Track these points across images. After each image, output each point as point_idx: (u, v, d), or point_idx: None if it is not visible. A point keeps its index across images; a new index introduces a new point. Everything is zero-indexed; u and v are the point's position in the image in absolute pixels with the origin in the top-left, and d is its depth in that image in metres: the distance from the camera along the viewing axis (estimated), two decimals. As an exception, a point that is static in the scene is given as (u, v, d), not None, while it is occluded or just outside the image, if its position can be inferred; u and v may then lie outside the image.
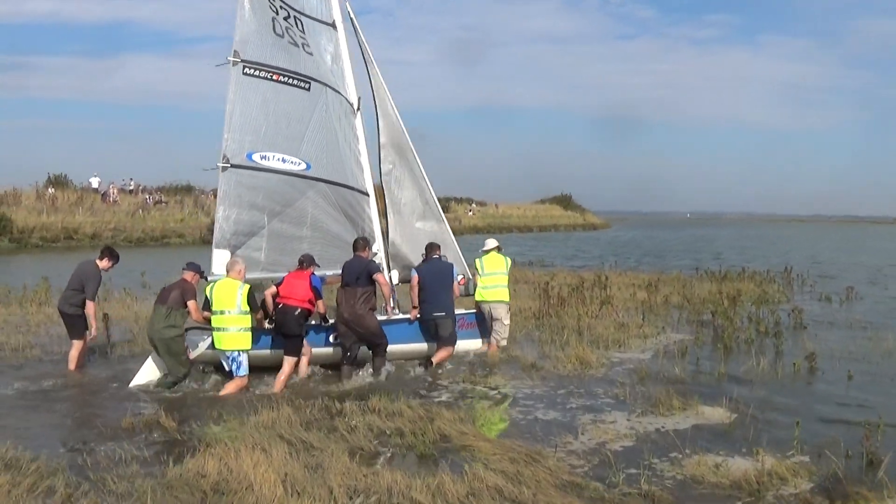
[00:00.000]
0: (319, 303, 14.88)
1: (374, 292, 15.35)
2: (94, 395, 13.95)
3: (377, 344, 15.21)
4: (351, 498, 8.73)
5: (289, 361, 14.42)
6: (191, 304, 14.17)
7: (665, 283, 30.48)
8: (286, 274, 15.07)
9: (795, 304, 25.06)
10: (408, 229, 18.02)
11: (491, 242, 17.96)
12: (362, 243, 15.72)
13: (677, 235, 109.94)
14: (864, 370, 16.15)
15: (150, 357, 14.73)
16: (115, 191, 70.91)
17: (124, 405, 12.80)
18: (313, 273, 14.97)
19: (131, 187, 77.33)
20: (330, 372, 15.31)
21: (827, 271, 41.82)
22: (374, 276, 15.18)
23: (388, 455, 10.46)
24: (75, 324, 15.49)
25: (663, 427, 11.79)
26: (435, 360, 15.95)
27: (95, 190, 71.68)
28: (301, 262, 14.97)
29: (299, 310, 14.40)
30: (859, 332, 20.84)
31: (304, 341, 14.81)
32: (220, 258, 15.40)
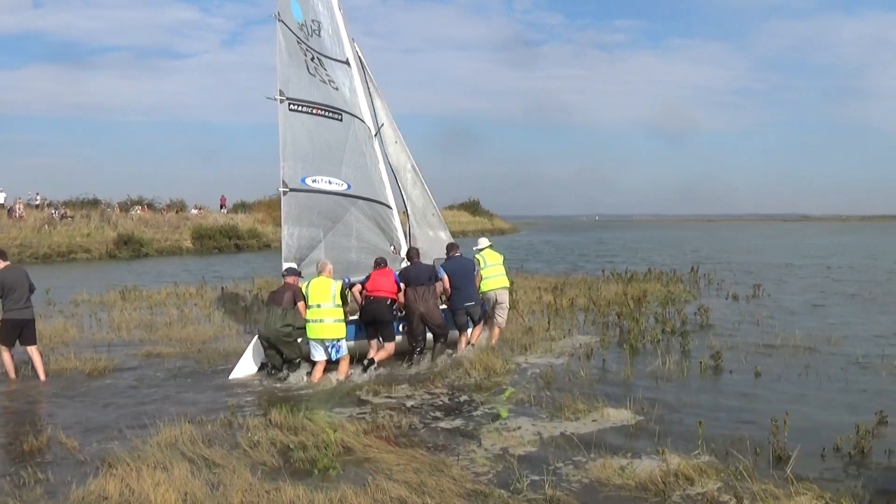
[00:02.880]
0: (399, 295, 17.02)
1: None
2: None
3: (442, 334, 17.53)
4: (253, 514, 8.59)
5: (388, 345, 16.81)
6: (300, 304, 15.93)
7: (571, 285, 30.83)
8: (371, 272, 17.19)
9: (702, 303, 25.29)
10: (426, 236, 20.82)
11: (484, 241, 19.78)
12: (417, 252, 18.16)
13: (584, 238, 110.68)
14: (771, 366, 16.35)
15: (246, 353, 16.62)
16: (21, 206, 69.64)
17: (25, 428, 12.46)
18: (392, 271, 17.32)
19: (37, 202, 76.17)
20: (238, 390, 15.13)
21: (734, 269, 42.34)
22: (441, 278, 17.71)
23: (291, 470, 10.28)
24: (31, 327, 16.24)
25: (568, 431, 11.77)
26: (473, 340, 18.05)
27: (1, 205, 70.39)
28: (378, 263, 17.15)
29: (390, 300, 16.74)
30: (766, 329, 21.03)
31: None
32: None
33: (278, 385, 15.55)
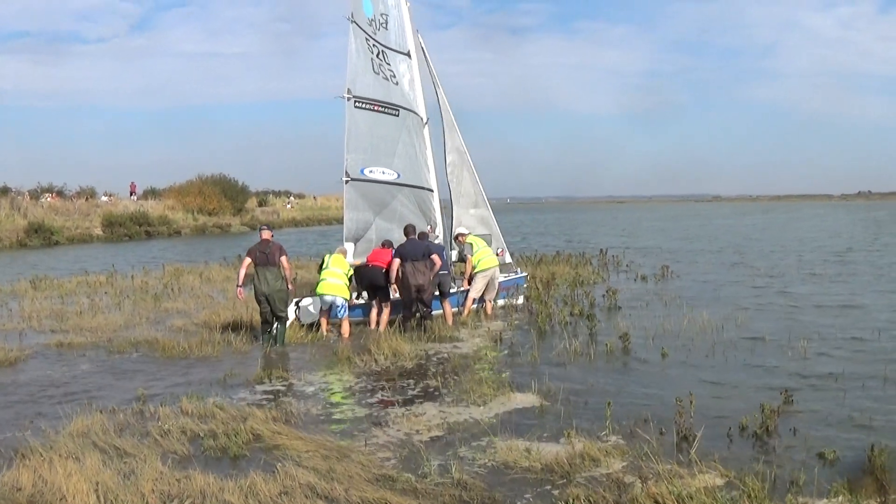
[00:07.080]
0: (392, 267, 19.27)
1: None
2: None
3: (428, 311, 19.26)
4: (164, 503, 8.63)
5: (385, 306, 19.41)
6: (284, 259, 17.88)
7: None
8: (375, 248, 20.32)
9: (610, 285, 25.63)
10: (465, 215, 23.67)
11: (464, 228, 22.71)
12: (413, 228, 20.02)
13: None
14: (678, 347, 16.63)
15: (308, 306, 19.43)
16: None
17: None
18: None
19: (-53, 191, 74.84)
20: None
21: (645, 252, 42.67)
22: (432, 256, 19.02)
23: (202, 458, 10.32)
24: None
25: (474, 415, 11.93)
26: (449, 321, 19.68)
27: None
28: (383, 244, 20.31)
29: (384, 269, 19.21)
30: (674, 310, 21.41)
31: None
32: (350, 249, 20.69)
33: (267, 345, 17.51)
